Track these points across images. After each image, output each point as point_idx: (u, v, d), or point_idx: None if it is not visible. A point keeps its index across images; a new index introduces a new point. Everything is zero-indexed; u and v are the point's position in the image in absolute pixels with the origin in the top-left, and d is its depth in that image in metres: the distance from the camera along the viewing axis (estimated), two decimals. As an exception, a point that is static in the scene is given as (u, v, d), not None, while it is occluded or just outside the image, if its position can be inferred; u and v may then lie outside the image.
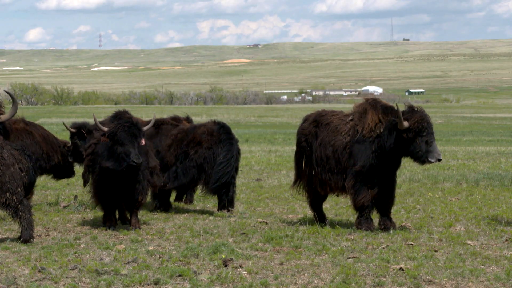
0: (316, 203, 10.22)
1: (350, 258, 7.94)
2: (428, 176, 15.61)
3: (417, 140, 9.21)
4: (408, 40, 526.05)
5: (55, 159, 11.52)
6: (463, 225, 10.01)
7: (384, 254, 8.05)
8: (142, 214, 10.68)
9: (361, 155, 9.42)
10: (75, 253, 8.06)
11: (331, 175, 9.72)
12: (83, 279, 7.06)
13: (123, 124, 9.57)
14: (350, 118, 9.72)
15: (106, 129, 9.57)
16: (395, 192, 9.71)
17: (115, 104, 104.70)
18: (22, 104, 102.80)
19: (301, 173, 10.25)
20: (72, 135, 11.89)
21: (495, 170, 17.23)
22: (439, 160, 9.22)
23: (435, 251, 8.33)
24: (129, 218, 9.97)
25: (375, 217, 9.72)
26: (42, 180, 15.52)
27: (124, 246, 8.48)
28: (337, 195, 10.19)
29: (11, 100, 10.26)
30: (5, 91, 10.15)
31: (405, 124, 9.25)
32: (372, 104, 9.54)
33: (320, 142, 9.82)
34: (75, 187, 14.24)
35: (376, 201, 9.53)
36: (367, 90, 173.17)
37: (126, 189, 9.74)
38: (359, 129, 9.51)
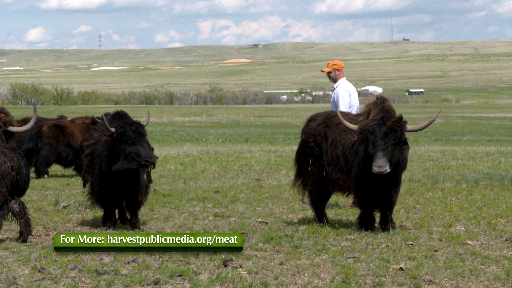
0: (318, 203, 10.23)
1: (350, 258, 7.94)
2: (428, 176, 15.61)
3: (366, 145, 9.23)
4: (408, 40, 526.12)
5: None
6: (463, 225, 10.01)
7: (384, 254, 8.06)
8: (142, 214, 10.69)
9: (366, 155, 9.41)
10: (75, 253, 8.05)
11: (341, 175, 9.73)
12: (83, 279, 7.06)
13: (130, 124, 9.55)
14: (361, 118, 9.71)
15: (113, 129, 9.54)
16: (397, 193, 9.66)
17: (115, 104, 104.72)
18: (22, 104, 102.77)
19: (303, 172, 10.26)
20: None
21: (495, 170, 17.23)
22: (376, 171, 9.02)
23: (435, 251, 8.33)
24: (129, 218, 9.97)
25: (376, 217, 9.72)
26: (42, 180, 15.54)
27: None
28: (347, 195, 10.18)
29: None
30: (34, 106, 10.16)
31: (353, 127, 9.36)
32: (376, 104, 9.52)
33: (331, 142, 9.83)
34: (75, 187, 14.26)
35: (378, 200, 9.52)
36: (367, 90, 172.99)
37: (128, 189, 9.73)
38: None
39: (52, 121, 17.35)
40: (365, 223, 9.52)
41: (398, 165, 9.31)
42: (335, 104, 11.94)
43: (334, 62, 12.31)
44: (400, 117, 9.22)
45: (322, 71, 12.44)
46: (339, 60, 12.62)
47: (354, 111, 11.77)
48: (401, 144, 9.14)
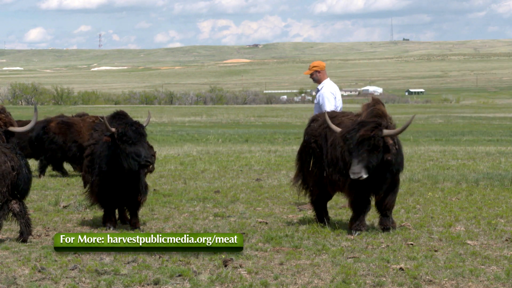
0: (319, 203, 10.22)
1: (350, 258, 7.94)
2: (428, 176, 15.61)
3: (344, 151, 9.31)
4: (408, 40, 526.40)
5: None
6: (463, 225, 10.01)
7: (384, 254, 8.06)
8: (142, 214, 10.69)
9: None
10: (75, 253, 8.06)
11: (340, 176, 9.70)
12: (83, 279, 7.06)
13: (131, 124, 9.55)
14: (360, 118, 9.70)
15: (113, 130, 9.54)
16: (395, 193, 9.62)
17: (115, 104, 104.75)
18: (22, 104, 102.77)
19: (304, 172, 10.25)
20: None
21: (495, 170, 17.23)
22: (351, 178, 9.01)
23: (435, 251, 8.33)
24: (129, 218, 9.97)
25: (376, 217, 9.72)
26: (42, 180, 15.54)
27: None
28: None
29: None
30: (35, 106, 10.32)
31: (335, 128, 9.40)
32: (368, 106, 9.52)
33: (331, 143, 9.82)
34: (75, 187, 14.25)
35: (376, 201, 9.50)
36: (367, 90, 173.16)
37: (128, 190, 9.73)
38: None
39: (62, 118, 17.33)
40: (356, 225, 9.39)
41: (392, 167, 9.28)
42: (319, 106, 11.87)
43: (314, 63, 12.15)
44: (376, 124, 9.08)
45: (304, 74, 12.41)
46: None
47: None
48: (380, 150, 9.06)
